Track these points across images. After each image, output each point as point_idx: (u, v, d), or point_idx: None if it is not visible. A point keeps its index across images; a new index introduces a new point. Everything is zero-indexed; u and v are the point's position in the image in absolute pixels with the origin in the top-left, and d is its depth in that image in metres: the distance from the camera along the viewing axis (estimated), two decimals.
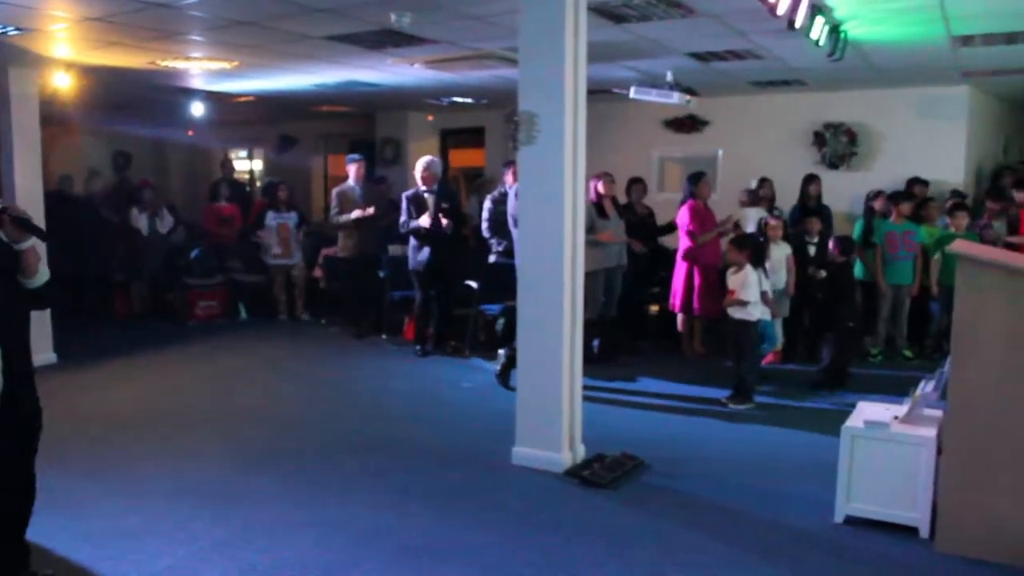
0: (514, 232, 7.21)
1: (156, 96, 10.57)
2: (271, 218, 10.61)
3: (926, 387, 4.54)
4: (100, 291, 10.63)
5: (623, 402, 6.86)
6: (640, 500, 4.76)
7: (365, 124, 13.66)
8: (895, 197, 8.49)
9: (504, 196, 8.02)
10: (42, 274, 3.46)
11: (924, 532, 4.20)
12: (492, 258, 8.18)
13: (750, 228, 8.11)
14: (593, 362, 7.66)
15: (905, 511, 4.27)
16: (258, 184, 15.33)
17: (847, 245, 7.37)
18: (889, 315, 8.27)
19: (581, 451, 5.34)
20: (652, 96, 8.32)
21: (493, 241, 8.06)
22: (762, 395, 6.84)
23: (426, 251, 8.18)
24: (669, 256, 8.55)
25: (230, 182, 12.20)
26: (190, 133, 14.60)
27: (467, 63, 8.26)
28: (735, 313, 6.61)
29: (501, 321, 8.08)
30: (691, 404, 6.80)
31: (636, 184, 8.93)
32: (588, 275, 7.64)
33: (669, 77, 8.37)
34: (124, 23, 6.39)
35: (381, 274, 9.49)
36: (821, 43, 6.18)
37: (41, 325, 7.12)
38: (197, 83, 9.77)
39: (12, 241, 3.34)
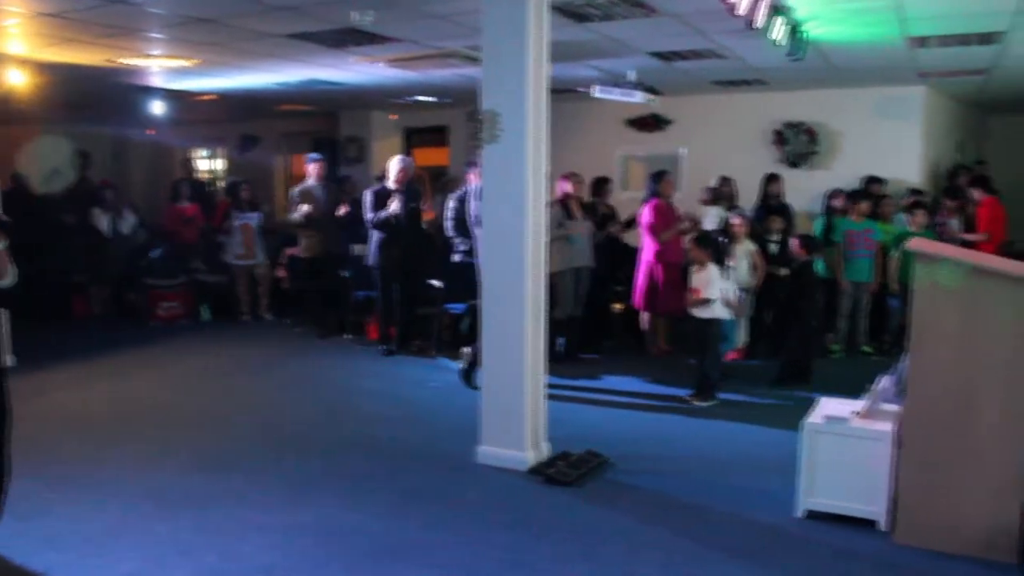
0: (475, 231, 7.22)
1: (115, 94, 10.43)
2: (234, 218, 10.51)
3: (884, 383, 4.61)
4: (59, 292, 10.46)
5: (588, 400, 6.88)
6: (605, 497, 4.78)
7: (328, 123, 13.59)
8: (854, 196, 8.62)
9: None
10: (11, 275, 3.42)
11: (883, 525, 4.26)
12: (456, 257, 8.17)
13: (709, 226, 8.18)
14: (558, 361, 7.70)
15: (864, 504, 4.32)
16: (219, 184, 15.19)
17: (811, 243, 7.45)
18: (849, 312, 8.39)
19: (546, 449, 5.35)
20: (615, 95, 8.37)
21: (457, 240, 8.05)
22: (725, 392, 6.89)
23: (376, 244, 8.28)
24: (632, 255, 8.58)
25: (191, 182, 12.07)
26: (151, 132, 14.43)
27: (430, 62, 8.26)
28: (698, 311, 6.66)
29: (465, 320, 8.08)
30: (655, 401, 6.84)
31: (603, 184, 8.95)
32: (557, 274, 7.73)
33: (632, 76, 8.43)
34: (79, 19, 6.31)
35: (344, 274, 9.45)
36: (781, 43, 6.25)
37: None
38: (157, 81, 9.66)
39: None
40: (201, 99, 11.29)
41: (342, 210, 9.15)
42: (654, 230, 7.98)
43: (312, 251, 9.42)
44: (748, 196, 9.26)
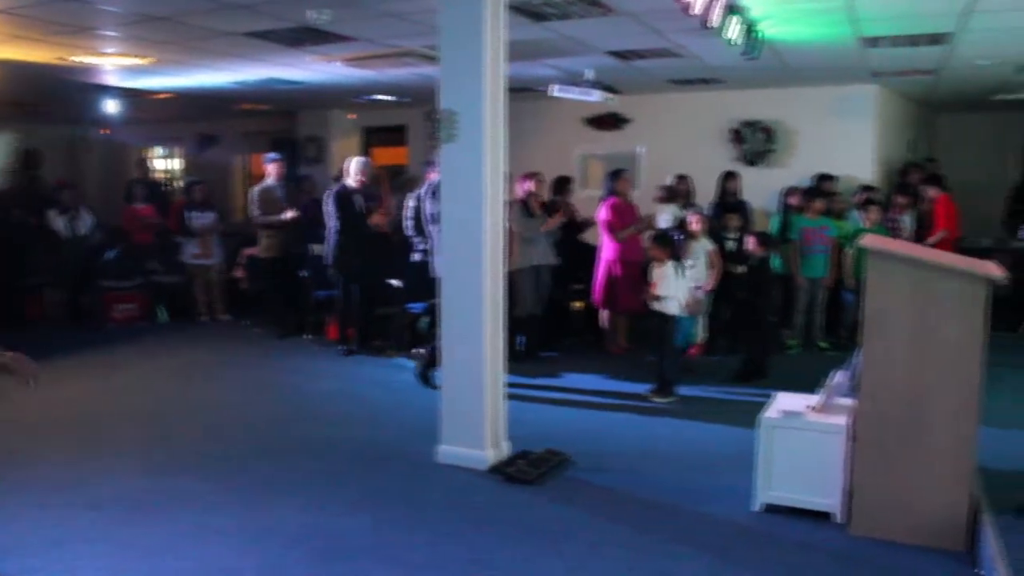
0: (431, 230, 7.22)
1: (68, 92, 10.26)
2: (190, 217, 10.39)
3: (839, 377, 4.68)
4: (11, 295, 10.26)
5: (548, 398, 6.90)
6: (565, 495, 4.80)
7: (287, 122, 13.49)
8: (810, 193, 8.74)
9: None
10: None
11: (839, 517, 4.33)
12: (416, 256, 8.15)
13: (663, 224, 8.25)
14: (518, 359, 7.72)
15: (820, 497, 4.39)
16: (176, 184, 15.02)
17: (767, 240, 7.54)
18: (805, 308, 8.50)
19: (506, 448, 5.36)
20: (573, 94, 8.40)
21: (416, 239, 8.03)
22: (685, 388, 6.95)
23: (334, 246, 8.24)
24: (592, 253, 8.62)
25: (146, 182, 11.91)
26: (105, 131, 14.21)
27: (388, 61, 8.23)
28: (655, 307, 6.71)
29: (425, 320, 8.06)
30: (615, 399, 6.88)
31: (564, 183, 8.94)
32: (518, 272, 7.75)
33: (590, 75, 8.46)
34: (28, 16, 6.20)
35: (303, 274, 9.39)
36: (736, 42, 6.31)
37: None
38: (111, 79, 9.52)
39: None
40: (157, 98, 11.15)
41: (288, 214, 9.08)
42: (611, 228, 8.03)
43: (272, 251, 9.34)
44: (706, 194, 9.34)
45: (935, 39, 7.14)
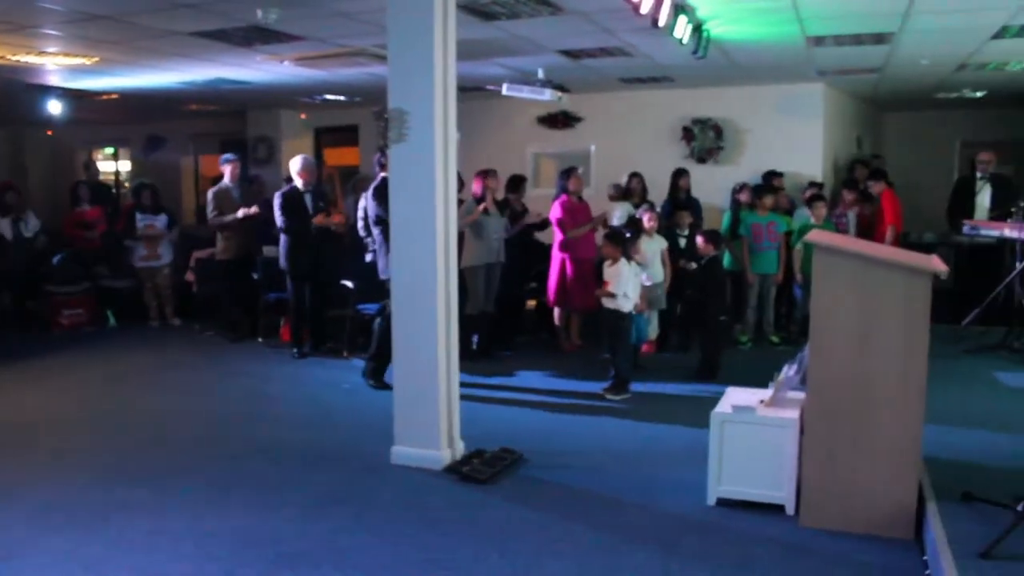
0: (373, 231, 7.18)
1: (10, 92, 10.04)
2: (139, 220, 10.23)
3: (788, 371, 4.75)
4: None
5: (502, 397, 6.91)
6: (519, 494, 4.81)
7: (237, 122, 13.33)
8: (759, 190, 8.85)
9: None
10: None
11: (790, 509, 4.38)
12: (368, 257, 8.10)
13: (616, 222, 8.30)
14: (472, 358, 7.72)
15: (772, 490, 4.44)
16: (126, 186, 14.78)
17: (715, 238, 7.62)
18: (756, 303, 8.61)
19: (461, 447, 5.35)
20: (524, 93, 8.42)
21: (368, 240, 7.98)
22: (638, 385, 7.00)
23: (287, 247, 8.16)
24: (544, 251, 8.65)
25: (92, 184, 11.70)
26: (49, 133, 13.94)
27: (338, 60, 8.18)
28: (608, 304, 6.76)
29: (378, 321, 8.02)
30: (569, 396, 6.91)
31: (518, 182, 8.96)
32: (469, 270, 7.75)
33: (540, 74, 8.49)
34: None
35: (255, 276, 9.30)
36: (684, 41, 6.37)
37: None
38: (54, 79, 9.34)
39: None
40: (103, 98, 10.96)
41: (240, 213, 8.97)
42: (564, 226, 8.07)
43: (229, 253, 9.23)
44: (657, 192, 9.41)
45: (878, 38, 7.28)
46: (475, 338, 8.09)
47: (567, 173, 8.31)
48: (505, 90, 8.40)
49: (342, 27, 6.73)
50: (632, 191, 8.97)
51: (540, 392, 7.07)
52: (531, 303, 9.14)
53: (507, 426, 6.07)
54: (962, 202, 9.50)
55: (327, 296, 8.53)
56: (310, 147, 13.20)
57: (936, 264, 4.09)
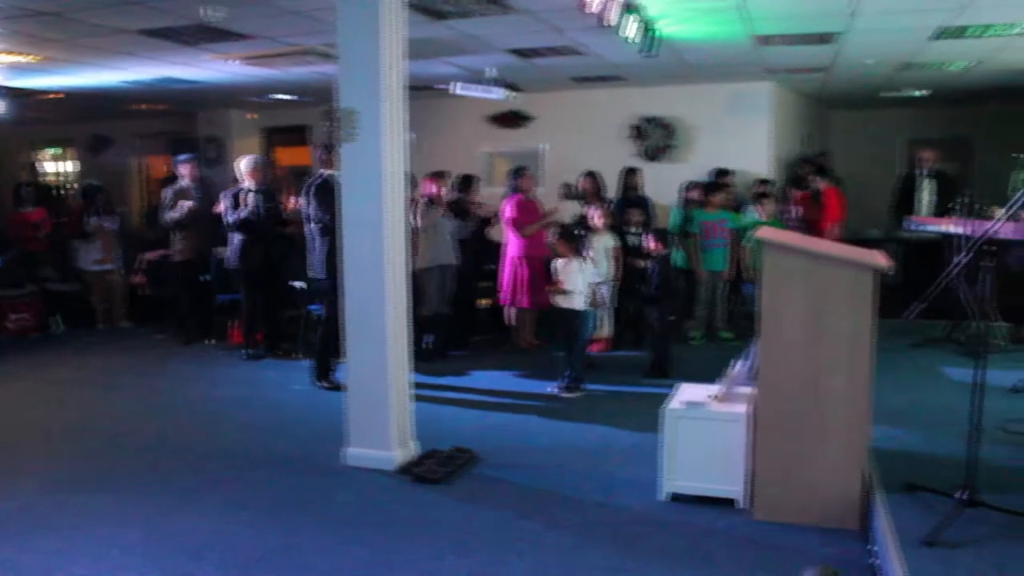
0: (307, 228, 7.13)
1: None
2: (88, 223, 10.04)
3: (739, 366, 4.81)
4: None
5: (457, 397, 6.90)
6: (474, 493, 4.81)
7: (185, 122, 13.14)
8: (709, 188, 8.94)
9: None
10: None
11: (743, 503, 4.44)
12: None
13: (566, 220, 8.33)
14: (426, 359, 7.71)
15: (724, 484, 4.49)
16: (70, 187, 14.49)
17: (664, 238, 7.68)
18: (707, 300, 8.70)
19: (414, 448, 5.34)
20: (475, 92, 8.42)
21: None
22: (591, 383, 7.03)
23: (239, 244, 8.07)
24: (496, 250, 8.66)
25: (36, 185, 11.46)
26: None
27: (287, 59, 8.11)
28: (561, 302, 6.78)
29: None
30: (523, 395, 6.92)
31: (469, 181, 8.94)
32: (423, 271, 7.73)
33: (492, 73, 8.49)
34: None
35: (206, 277, 9.18)
36: (634, 40, 6.41)
37: None
38: None
39: None
40: (46, 97, 10.73)
41: (188, 204, 8.81)
42: (517, 225, 8.08)
43: (186, 254, 9.09)
44: (609, 190, 9.45)
45: (824, 38, 7.40)
46: (429, 339, 8.07)
47: (518, 172, 8.33)
48: (456, 89, 8.39)
49: (291, 25, 6.67)
50: (586, 191, 8.95)
51: (494, 391, 7.07)
52: (484, 302, 9.13)
53: (461, 426, 6.07)
54: (906, 199, 9.70)
55: (278, 297, 8.44)
56: (260, 147, 13.06)
57: (881, 259, 4.17)
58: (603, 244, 7.93)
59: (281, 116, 12.96)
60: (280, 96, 11.20)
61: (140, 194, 14.31)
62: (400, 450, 5.19)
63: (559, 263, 6.85)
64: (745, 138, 10.31)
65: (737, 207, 9.17)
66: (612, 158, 10.24)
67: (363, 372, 5.19)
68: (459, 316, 8.54)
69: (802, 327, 4.18)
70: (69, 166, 15.19)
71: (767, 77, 9.84)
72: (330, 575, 3.83)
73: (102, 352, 9.06)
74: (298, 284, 8.36)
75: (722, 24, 6.87)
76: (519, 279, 8.13)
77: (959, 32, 7.08)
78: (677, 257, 8.46)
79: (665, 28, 6.87)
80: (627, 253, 8.19)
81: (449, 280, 8.16)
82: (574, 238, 6.92)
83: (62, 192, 14.62)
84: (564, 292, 6.73)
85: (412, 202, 7.45)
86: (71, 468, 5.35)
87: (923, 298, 3.98)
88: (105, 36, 6.96)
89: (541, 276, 7.87)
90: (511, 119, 11.43)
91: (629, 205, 8.87)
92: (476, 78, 8.82)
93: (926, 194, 9.50)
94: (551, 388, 6.92)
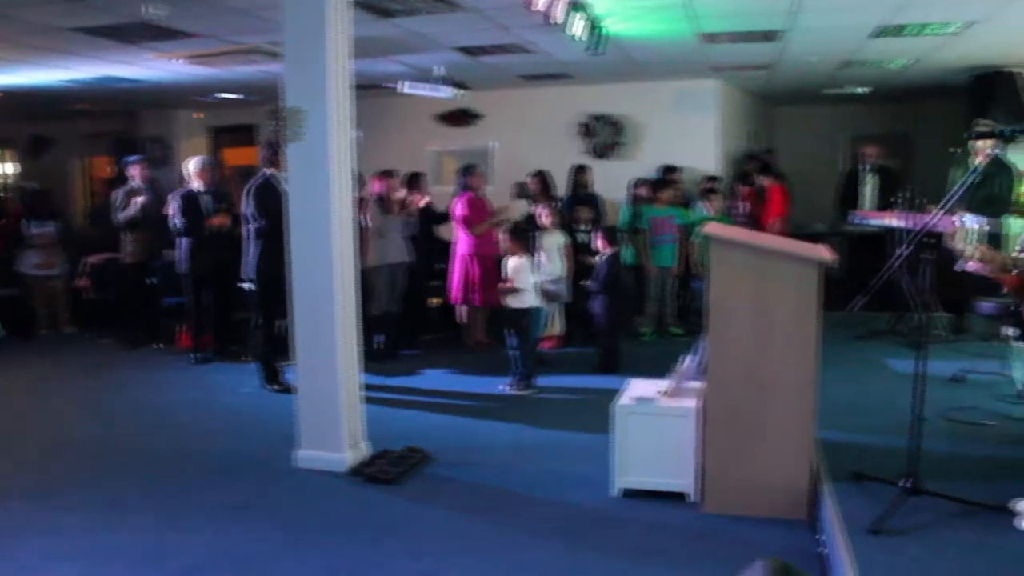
0: (243, 228, 7.05)
1: None
2: (30, 227, 9.81)
3: (688, 361, 4.85)
4: None
5: (407, 397, 6.87)
6: (426, 492, 4.79)
7: (129, 122, 12.90)
8: (658, 185, 9.02)
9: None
10: None
11: (693, 496, 4.48)
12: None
13: (518, 218, 8.34)
14: (377, 359, 7.66)
15: (675, 479, 4.53)
16: (8, 190, 14.13)
17: (612, 236, 7.72)
18: (657, 296, 8.78)
19: (366, 449, 5.31)
20: (423, 90, 8.40)
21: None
22: (542, 379, 7.04)
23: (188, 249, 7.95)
24: (445, 248, 8.64)
25: None
26: None
27: (231, 58, 8.00)
28: (511, 301, 6.79)
29: (283, 323, 7.88)
30: (474, 393, 6.92)
31: (417, 178, 8.91)
32: (372, 270, 7.68)
33: (439, 71, 8.47)
34: None
35: (152, 280, 9.02)
36: (580, 38, 6.43)
37: None
38: None
39: None
40: None
41: (140, 200, 8.68)
42: (468, 223, 8.07)
43: (138, 256, 8.93)
44: (558, 188, 9.48)
45: (768, 36, 7.50)
46: (379, 338, 8.03)
47: (468, 170, 8.32)
48: (404, 88, 8.35)
49: (235, 24, 6.58)
50: (534, 191, 8.93)
51: (445, 391, 7.06)
52: (435, 301, 9.11)
53: (413, 425, 6.05)
54: (850, 193, 9.86)
55: (227, 299, 8.32)
56: (207, 147, 12.86)
57: (825, 253, 4.24)
58: (555, 242, 7.97)
59: (228, 115, 12.79)
60: (226, 95, 11.06)
61: (83, 194, 14.03)
62: (351, 451, 5.16)
63: (509, 261, 6.86)
64: (692, 135, 10.41)
65: (685, 203, 9.26)
66: (561, 156, 10.28)
67: (313, 373, 5.14)
68: (409, 315, 8.51)
69: (749, 321, 4.23)
70: (8, 168, 14.81)
71: (713, 75, 9.95)
72: None
73: (46, 358, 8.88)
74: (247, 286, 8.25)
75: (668, 22, 6.92)
76: (470, 277, 8.12)
77: (897, 31, 7.23)
78: (626, 254, 8.51)
79: (611, 26, 6.91)
80: (577, 251, 8.23)
81: (400, 278, 8.12)
82: (524, 236, 6.94)
83: (0, 195, 14.25)
84: (515, 291, 6.73)
85: (360, 201, 7.40)
86: (12, 475, 5.23)
87: (866, 291, 4.05)
88: (45, 34, 6.81)
89: (492, 274, 7.87)
90: (460, 117, 11.41)
91: (578, 203, 8.91)
92: (424, 76, 8.79)
93: (869, 188, 9.67)
94: (502, 386, 6.92)
